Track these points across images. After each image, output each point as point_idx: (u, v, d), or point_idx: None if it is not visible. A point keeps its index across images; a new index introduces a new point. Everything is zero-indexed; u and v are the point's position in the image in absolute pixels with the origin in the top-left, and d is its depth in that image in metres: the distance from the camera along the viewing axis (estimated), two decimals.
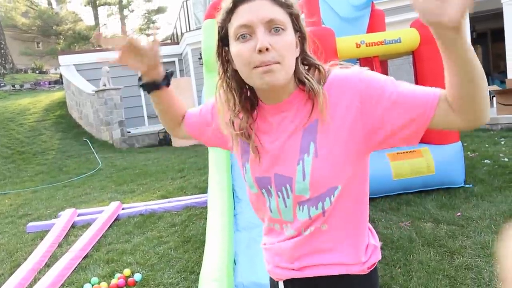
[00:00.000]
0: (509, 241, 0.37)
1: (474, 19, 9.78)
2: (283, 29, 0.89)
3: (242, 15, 0.89)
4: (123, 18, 28.75)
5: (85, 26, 28.70)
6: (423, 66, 4.19)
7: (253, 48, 0.87)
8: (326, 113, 0.91)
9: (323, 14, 4.60)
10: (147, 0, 29.35)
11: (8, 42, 20.93)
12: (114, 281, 3.05)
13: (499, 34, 10.21)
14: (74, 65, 12.89)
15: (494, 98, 7.84)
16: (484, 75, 0.78)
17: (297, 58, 0.94)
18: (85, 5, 28.38)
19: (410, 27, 4.29)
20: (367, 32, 5.24)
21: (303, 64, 0.96)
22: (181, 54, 13.66)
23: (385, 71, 5.22)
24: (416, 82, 4.31)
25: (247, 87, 1.00)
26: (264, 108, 1.00)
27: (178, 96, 1.19)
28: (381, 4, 6.47)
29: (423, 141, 4.28)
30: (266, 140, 1.00)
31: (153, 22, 29.25)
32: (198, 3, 13.35)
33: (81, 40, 27.29)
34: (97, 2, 27.89)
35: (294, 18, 0.93)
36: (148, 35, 29.59)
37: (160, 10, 29.01)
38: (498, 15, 9.30)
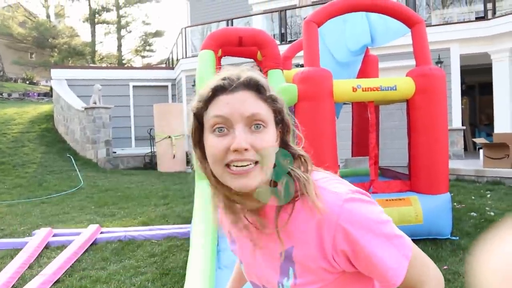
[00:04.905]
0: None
1: (464, 72, 10.06)
2: (264, 126, 0.80)
3: (220, 106, 0.80)
4: (120, 38, 28.95)
5: (81, 42, 28.83)
6: (416, 114, 4.23)
7: (229, 146, 0.78)
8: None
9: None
10: (145, 23, 29.54)
11: (1, 50, 20.76)
12: None
13: (487, 88, 10.54)
14: (66, 79, 12.79)
15: (481, 151, 7.96)
16: None
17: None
18: (84, 21, 28.58)
19: (406, 76, 4.36)
20: (359, 76, 5.31)
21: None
22: (175, 79, 13.70)
23: (377, 117, 5.26)
24: (409, 129, 4.34)
25: None
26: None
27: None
28: (375, 49, 6.60)
29: (413, 189, 4.27)
30: (246, 246, 0.95)
31: (149, 45, 29.47)
32: (196, 31, 13.58)
33: (76, 55, 27.30)
34: (96, 20, 28.11)
35: (278, 113, 0.84)
36: (143, 57, 29.81)
37: (157, 34, 29.31)
38: (487, 70, 9.59)
